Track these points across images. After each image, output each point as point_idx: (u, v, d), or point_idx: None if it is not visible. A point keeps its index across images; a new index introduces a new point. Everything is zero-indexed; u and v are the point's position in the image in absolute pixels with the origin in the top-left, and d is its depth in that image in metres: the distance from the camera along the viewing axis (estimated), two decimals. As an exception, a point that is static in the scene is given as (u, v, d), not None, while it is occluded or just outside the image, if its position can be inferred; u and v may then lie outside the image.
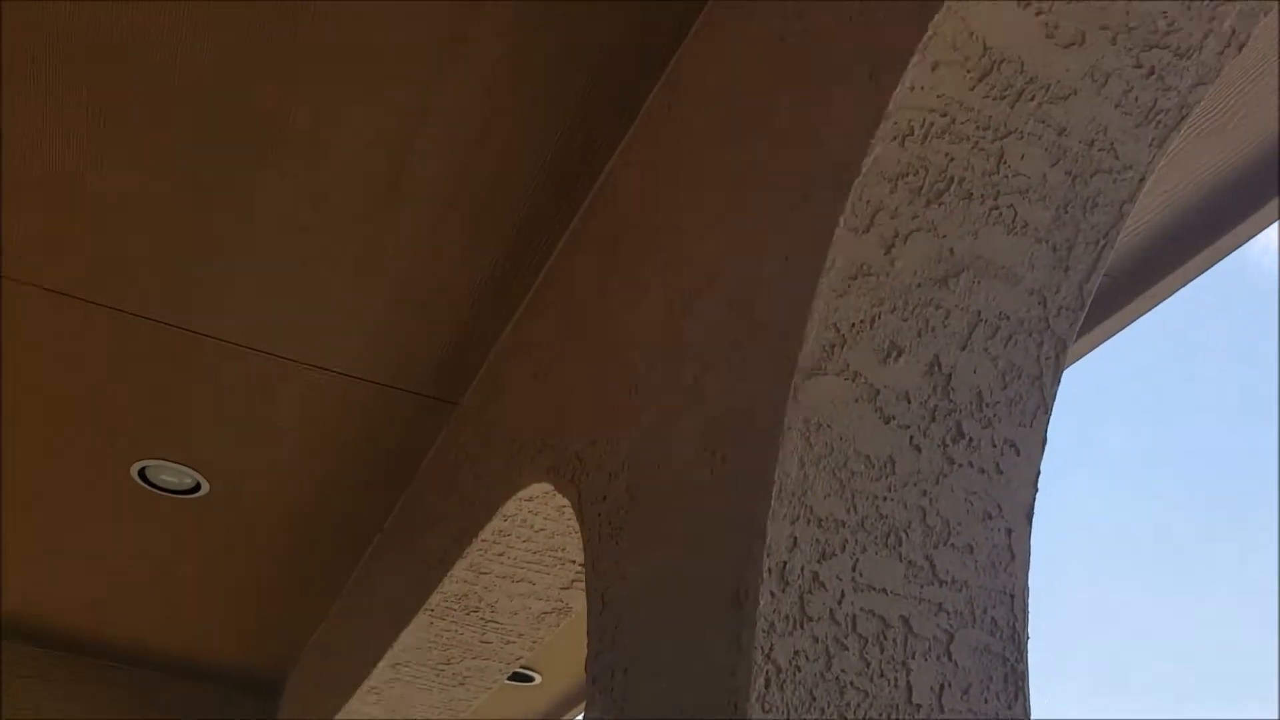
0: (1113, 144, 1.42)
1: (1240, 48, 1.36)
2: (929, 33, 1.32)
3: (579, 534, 2.46)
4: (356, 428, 3.30)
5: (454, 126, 2.34)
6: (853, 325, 1.45)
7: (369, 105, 2.29)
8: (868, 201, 1.39)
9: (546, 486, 2.27)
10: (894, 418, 1.48)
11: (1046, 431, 1.56)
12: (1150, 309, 2.26)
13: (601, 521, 1.85)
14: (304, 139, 2.37)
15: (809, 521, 1.42)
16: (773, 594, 1.33)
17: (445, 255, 2.70)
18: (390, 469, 3.46)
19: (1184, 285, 2.17)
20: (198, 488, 3.60)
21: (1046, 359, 1.54)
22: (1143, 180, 1.45)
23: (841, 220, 1.39)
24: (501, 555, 2.55)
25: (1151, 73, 1.38)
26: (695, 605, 1.47)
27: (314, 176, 2.47)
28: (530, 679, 4.35)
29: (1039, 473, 1.55)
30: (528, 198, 2.50)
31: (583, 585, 2.64)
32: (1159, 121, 1.41)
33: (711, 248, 1.75)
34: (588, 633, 1.77)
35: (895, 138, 1.37)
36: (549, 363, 2.43)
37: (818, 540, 1.41)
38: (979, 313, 1.50)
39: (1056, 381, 1.56)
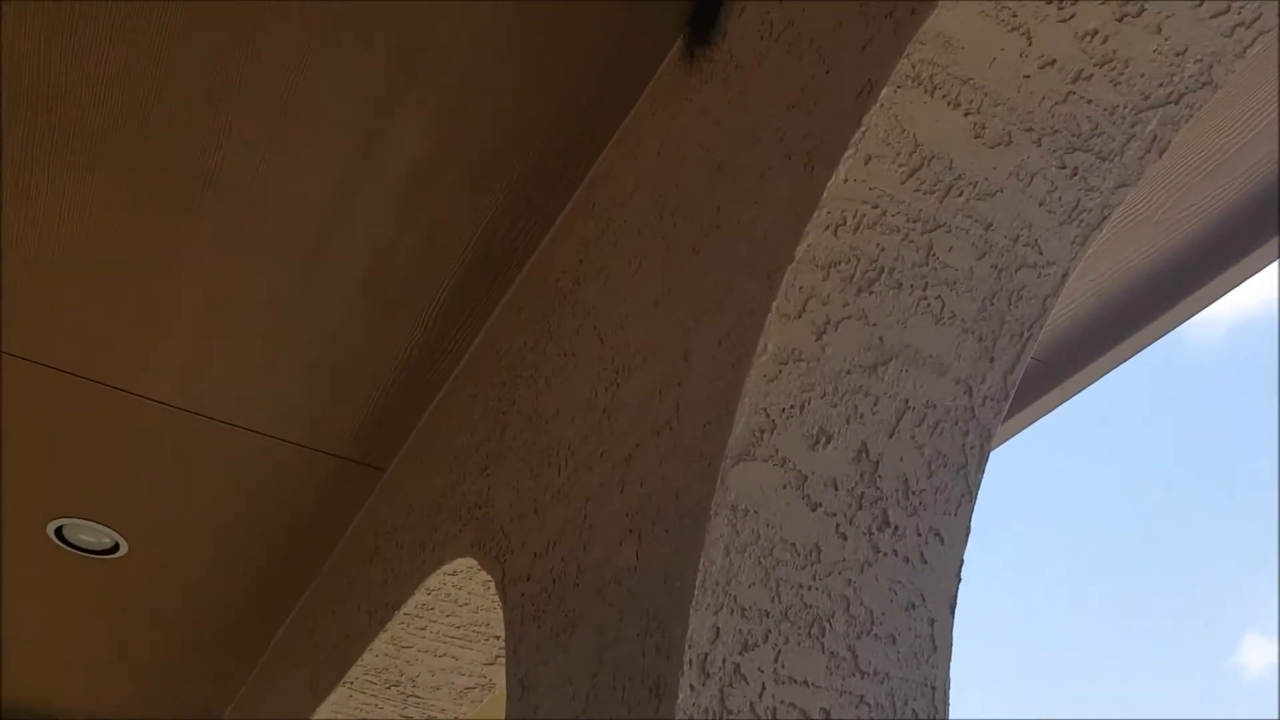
0: (1037, 240, 1.43)
1: (1162, 152, 1.38)
2: (863, 128, 1.33)
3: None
4: (280, 491, 3.21)
5: (388, 190, 2.31)
6: (783, 410, 1.43)
7: (306, 163, 2.25)
8: (800, 288, 1.38)
9: (471, 561, 2.21)
10: (821, 505, 1.46)
11: (970, 520, 1.55)
12: (1072, 396, 2.28)
13: (524, 602, 1.80)
14: (236, 195, 2.32)
15: (732, 611, 1.38)
16: (692, 686, 1.28)
17: (374, 320, 2.65)
18: (314, 533, 3.36)
19: (1107, 373, 2.19)
20: (116, 548, 3.46)
21: (971, 448, 1.53)
22: (1065, 276, 1.46)
23: (775, 306, 1.38)
24: (424, 629, 2.47)
25: (1075, 174, 1.39)
26: (615, 695, 1.42)
27: (244, 234, 2.41)
28: (452, 751, 4.22)
29: (962, 562, 1.53)
30: (460, 267, 2.48)
31: (506, 660, 2.56)
32: (1081, 220, 1.42)
33: (644, 327, 1.73)
34: (506, 718, 1.71)
35: (829, 227, 1.37)
36: (478, 434, 2.38)
37: (740, 631, 1.38)
38: (907, 400, 1.49)
39: (981, 470, 1.55)
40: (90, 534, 3.41)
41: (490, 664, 2.57)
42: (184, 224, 2.35)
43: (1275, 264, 1.90)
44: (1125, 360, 2.12)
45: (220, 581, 3.63)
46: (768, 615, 1.40)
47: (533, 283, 2.37)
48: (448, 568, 2.27)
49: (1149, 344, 2.07)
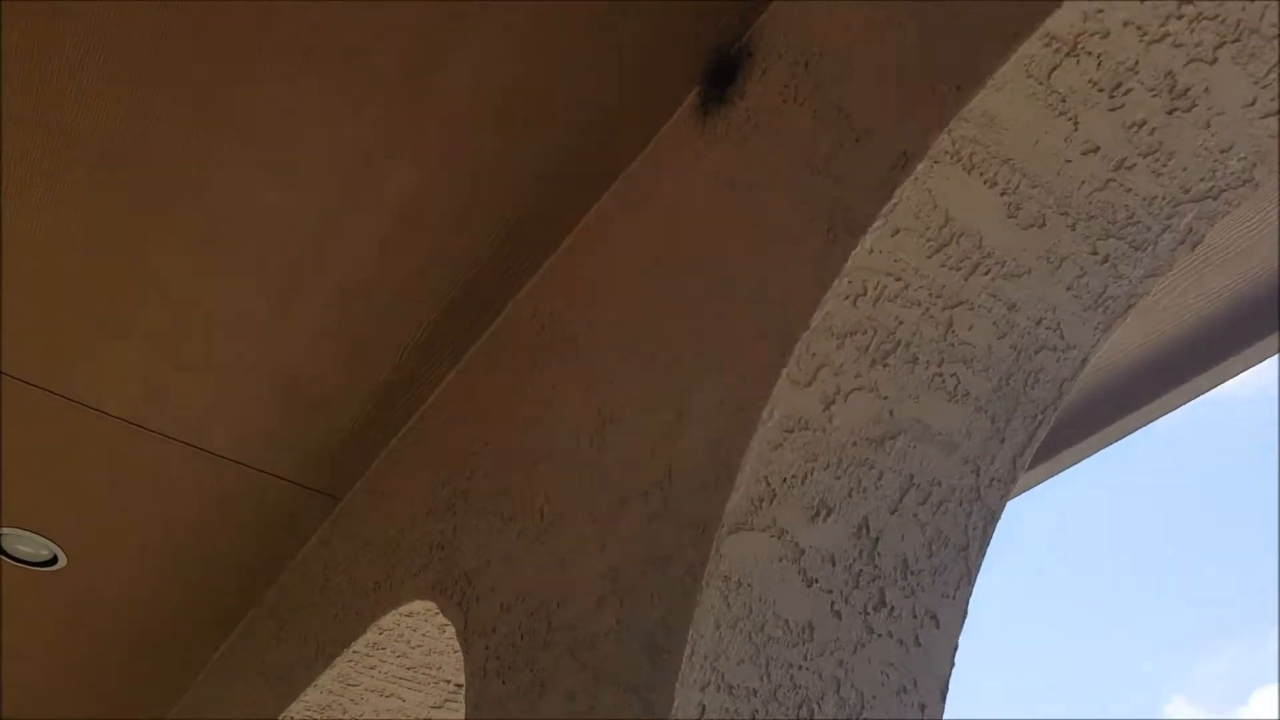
0: (1060, 324, 1.38)
1: (1194, 245, 1.34)
2: (894, 200, 1.27)
3: (459, 654, 2.28)
4: (230, 512, 3.06)
5: (374, 222, 2.22)
6: (784, 480, 1.36)
7: (293, 188, 2.15)
8: (813, 355, 1.32)
9: (429, 604, 2.10)
10: (817, 580, 1.38)
11: (968, 604, 1.48)
12: (1055, 475, 2.24)
13: (488, 656, 1.70)
14: (219, 211, 2.21)
15: (719, 688, 1.30)
16: (679, 771, 1.20)
17: (345, 351, 2.54)
18: (260, 557, 3.21)
19: (1093, 454, 2.15)
20: (55, 560, 3.29)
21: (974, 529, 1.47)
22: (1085, 361, 1.41)
23: (785, 372, 1.31)
24: (373, 669, 2.35)
25: (1105, 260, 1.34)
26: (590, 770, 1.33)
27: (221, 252, 2.30)
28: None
29: (957, 647, 1.47)
30: (440, 304, 2.38)
31: (455, 706, 2.45)
32: (1107, 307, 1.37)
33: (636, 381, 1.65)
34: (464, 779, 1.61)
35: (848, 296, 1.31)
36: (444, 470, 2.28)
37: (727, 709, 1.29)
38: (912, 477, 1.43)
39: (982, 554, 1.49)
40: (29, 544, 3.24)
41: (438, 707, 2.45)
42: (160, 234, 2.24)
43: (1276, 357, 1.88)
44: (1113, 443, 2.08)
45: (161, 598, 3.46)
46: (755, 694, 1.32)
47: (516, 322, 2.29)
48: (404, 608, 2.16)
49: (1139, 428, 2.03)
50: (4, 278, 2.39)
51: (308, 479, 2.94)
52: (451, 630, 2.24)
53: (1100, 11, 1.19)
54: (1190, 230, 1.32)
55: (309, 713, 2.49)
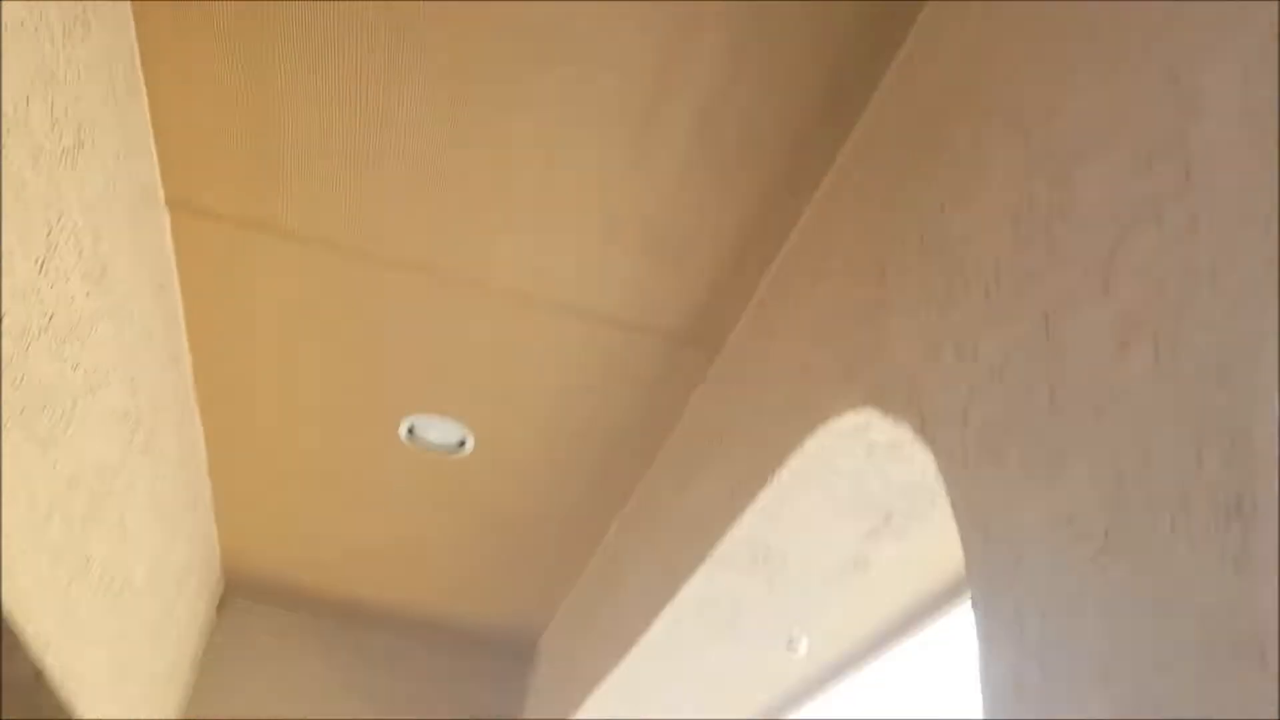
0: None
1: None
2: None
3: (885, 477, 2.04)
4: (613, 377, 2.98)
5: (718, 43, 1.96)
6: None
7: (633, 30, 1.94)
8: None
9: (859, 418, 1.85)
10: None
11: None
12: None
13: (969, 441, 1.42)
14: (567, 65, 2.04)
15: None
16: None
17: (701, 189, 2.33)
18: (649, 417, 3.12)
19: None
20: (464, 444, 3.36)
21: None
22: None
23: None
24: (794, 500, 2.16)
25: None
26: (1157, 525, 1.02)
27: (572, 106, 2.14)
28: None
29: None
30: (789, 125, 2.11)
31: (886, 534, 2.22)
32: None
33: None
34: (968, 574, 1.35)
35: None
36: (844, 281, 2.01)
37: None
38: None
39: None
40: (438, 432, 3.32)
41: (867, 539, 2.22)
42: (518, 101, 2.11)
43: None
44: None
45: (557, 472, 3.47)
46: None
47: (872, 136, 1.97)
48: (832, 426, 1.92)
49: None
50: (386, 164, 2.35)
51: (686, 333, 2.79)
52: (879, 454, 1.99)
53: None
54: None
55: (733, 550, 2.34)
